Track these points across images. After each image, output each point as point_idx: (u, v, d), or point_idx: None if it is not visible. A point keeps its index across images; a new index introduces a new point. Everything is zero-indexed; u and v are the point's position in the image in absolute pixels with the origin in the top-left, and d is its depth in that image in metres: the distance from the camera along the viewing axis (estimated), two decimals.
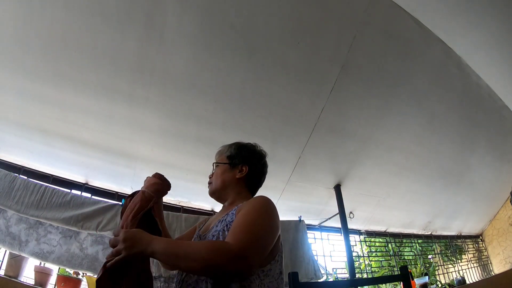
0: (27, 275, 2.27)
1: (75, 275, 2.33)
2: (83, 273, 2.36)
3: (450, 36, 2.34)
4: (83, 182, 2.72)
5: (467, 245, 4.64)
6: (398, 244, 4.38)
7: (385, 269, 4.18)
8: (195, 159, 2.66)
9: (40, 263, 2.27)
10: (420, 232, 4.38)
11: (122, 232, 0.82)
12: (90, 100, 2.19)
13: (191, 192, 2.95)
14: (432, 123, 2.96)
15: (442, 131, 3.07)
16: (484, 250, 4.67)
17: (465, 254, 4.54)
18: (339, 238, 3.58)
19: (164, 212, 1.36)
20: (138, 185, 1.04)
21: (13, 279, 2.08)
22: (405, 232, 4.31)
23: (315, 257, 3.16)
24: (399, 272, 1.19)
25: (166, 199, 1.00)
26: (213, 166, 1.13)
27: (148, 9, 1.87)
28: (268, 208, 0.88)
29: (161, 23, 1.93)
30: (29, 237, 2.22)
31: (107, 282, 0.81)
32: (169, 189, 1.05)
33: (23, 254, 2.17)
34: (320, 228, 3.64)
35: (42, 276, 2.19)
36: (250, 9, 1.99)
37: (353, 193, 3.33)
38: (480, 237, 4.77)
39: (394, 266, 4.10)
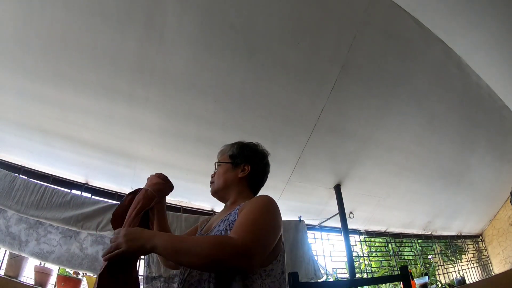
0: (27, 275, 2.27)
1: (75, 275, 2.33)
2: (83, 273, 2.36)
3: (450, 36, 2.34)
4: (83, 182, 2.72)
5: (467, 245, 4.64)
6: (398, 244, 4.38)
7: (385, 269, 4.18)
8: (195, 159, 2.66)
9: (40, 263, 2.27)
10: (420, 232, 4.38)
11: (123, 229, 0.82)
12: (90, 100, 2.19)
13: (191, 192, 2.95)
14: (432, 123, 2.96)
15: (442, 131, 3.07)
16: (484, 250, 4.67)
17: (465, 254, 4.54)
18: (339, 238, 3.58)
19: None
20: (138, 185, 1.04)
21: (13, 279, 2.08)
22: (405, 232, 4.31)
23: (315, 257, 3.16)
24: (399, 272, 1.19)
25: (166, 199, 1.00)
26: (215, 165, 1.13)
27: (148, 9, 1.87)
28: (270, 207, 0.88)
29: (161, 23, 1.93)
30: (29, 237, 2.22)
31: (108, 277, 0.79)
32: (171, 190, 1.05)
33: (23, 254, 2.17)
34: (320, 228, 3.64)
35: (42, 276, 2.19)
36: (250, 9, 1.99)
37: (353, 193, 3.33)
38: (480, 237, 4.77)
39: (394, 266, 4.10)
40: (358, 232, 3.98)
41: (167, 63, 2.11)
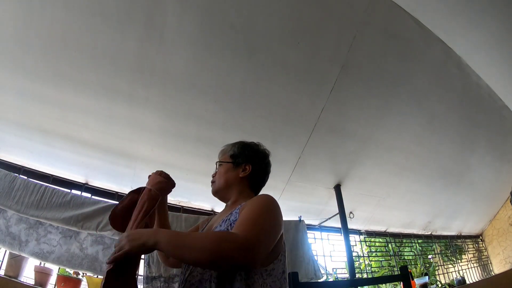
0: (27, 275, 2.27)
1: (75, 275, 2.33)
2: (83, 273, 2.36)
3: (450, 36, 2.34)
4: (83, 182, 2.72)
5: (467, 245, 4.64)
6: (398, 244, 4.38)
7: (385, 269, 4.18)
8: (195, 159, 2.66)
9: (40, 263, 2.27)
10: (420, 232, 4.38)
11: (126, 232, 0.82)
12: (90, 100, 2.19)
13: (191, 192, 2.95)
14: (432, 123, 2.96)
15: (442, 131, 3.07)
16: (484, 250, 4.67)
17: (465, 254, 4.54)
18: (339, 238, 3.58)
19: None
20: (138, 185, 1.04)
21: (13, 279, 2.08)
22: (405, 232, 4.31)
23: (315, 257, 3.16)
24: (399, 272, 1.19)
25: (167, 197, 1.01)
26: (216, 165, 1.13)
27: (148, 9, 1.87)
28: (271, 205, 0.88)
29: (161, 23, 1.93)
30: (29, 237, 2.22)
31: (113, 280, 0.79)
32: (173, 188, 1.06)
33: (23, 254, 2.17)
34: (320, 228, 3.64)
35: (42, 276, 2.19)
36: (250, 9, 1.99)
37: (353, 193, 3.33)
38: (480, 237, 4.77)
39: (394, 266, 4.10)
40: (358, 232, 3.98)
41: (167, 63, 2.11)
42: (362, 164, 3.11)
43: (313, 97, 2.49)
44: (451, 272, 4.36)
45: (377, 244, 4.56)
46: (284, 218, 0.94)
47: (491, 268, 4.50)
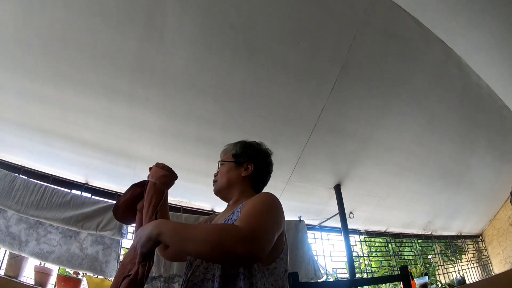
0: (27, 275, 2.27)
1: (75, 275, 2.33)
2: (83, 273, 2.36)
3: (450, 36, 2.34)
4: (83, 182, 2.72)
5: (467, 245, 4.64)
6: (398, 244, 4.39)
7: (385, 269, 4.18)
8: (195, 159, 2.66)
9: (40, 263, 2.27)
10: (420, 232, 4.38)
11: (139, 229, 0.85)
12: (90, 100, 2.19)
13: (191, 192, 2.95)
14: (432, 123, 2.96)
15: (442, 131, 3.07)
16: (484, 250, 4.67)
17: (465, 254, 4.54)
18: (339, 238, 3.58)
19: None
20: None
21: (13, 279, 2.08)
22: (405, 232, 4.31)
23: (315, 257, 3.16)
24: (399, 272, 1.19)
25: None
26: (218, 164, 1.13)
27: (148, 9, 1.87)
28: (272, 202, 0.88)
29: (161, 23, 1.93)
30: (29, 237, 2.22)
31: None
32: (176, 180, 1.06)
33: (23, 254, 2.17)
34: (320, 228, 3.64)
35: (42, 276, 2.19)
36: (250, 9, 1.98)
37: (353, 193, 3.33)
38: (480, 237, 4.77)
39: (394, 266, 4.10)
40: (358, 232, 3.98)
41: (167, 63, 2.11)
42: (362, 164, 3.11)
43: (313, 97, 2.49)
44: (451, 272, 4.36)
45: (377, 244, 4.56)
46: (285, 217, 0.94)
47: (491, 268, 4.50)
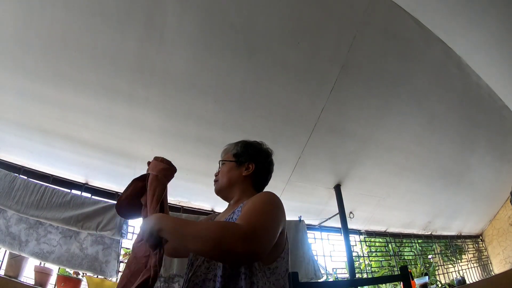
0: (27, 275, 2.27)
1: (75, 275, 2.33)
2: (83, 273, 2.36)
3: (450, 36, 2.34)
4: (83, 182, 2.72)
5: (467, 245, 4.64)
6: (398, 244, 4.38)
7: (385, 269, 4.18)
8: (195, 159, 2.66)
9: (40, 263, 2.27)
10: (420, 232, 4.38)
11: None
12: (90, 100, 2.19)
13: (191, 192, 2.95)
14: (432, 123, 2.96)
15: (442, 131, 3.07)
16: (484, 250, 4.67)
17: (465, 254, 4.54)
18: (339, 238, 3.58)
19: None
20: None
21: (13, 279, 2.08)
22: (405, 232, 4.31)
23: (315, 257, 3.16)
24: (399, 272, 1.19)
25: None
26: (219, 164, 1.14)
27: (148, 9, 1.87)
28: (273, 201, 0.88)
29: (161, 23, 1.93)
30: (29, 237, 2.22)
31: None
32: (175, 172, 1.06)
33: (23, 254, 2.17)
34: (320, 228, 3.64)
35: (42, 276, 2.19)
36: (250, 9, 1.98)
37: (353, 193, 3.33)
38: (480, 237, 4.76)
39: (394, 266, 4.10)
40: (358, 232, 3.98)
41: (167, 63, 2.11)
42: (362, 164, 3.11)
43: (313, 97, 2.49)
44: (451, 272, 4.36)
45: (377, 244, 4.56)
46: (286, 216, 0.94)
47: (491, 268, 4.50)
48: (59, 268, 2.29)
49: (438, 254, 4.45)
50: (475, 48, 2.37)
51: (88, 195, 2.65)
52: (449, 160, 3.41)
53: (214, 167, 1.19)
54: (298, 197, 3.25)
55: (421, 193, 3.71)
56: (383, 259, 4.35)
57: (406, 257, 4.50)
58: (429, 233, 4.44)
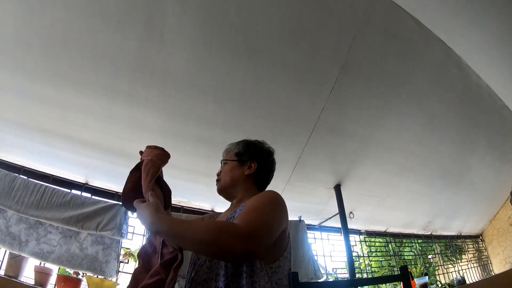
0: (27, 275, 2.27)
1: (75, 275, 2.33)
2: (83, 273, 2.36)
3: (450, 36, 2.34)
4: (83, 182, 2.72)
5: (467, 245, 4.64)
6: (398, 244, 4.38)
7: (385, 269, 4.18)
8: (195, 159, 2.66)
9: (40, 263, 2.27)
10: (420, 232, 4.38)
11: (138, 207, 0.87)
12: (90, 100, 2.19)
13: (191, 192, 2.95)
14: (432, 123, 2.96)
15: (442, 131, 3.07)
16: (484, 250, 4.67)
17: (465, 254, 4.54)
18: (339, 238, 3.58)
19: None
20: None
21: (13, 279, 2.08)
22: (405, 232, 4.31)
23: (315, 257, 3.16)
24: (399, 272, 1.19)
25: None
26: (221, 163, 1.14)
27: (148, 9, 1.87)
28: (274, 199, 0.88)
29: (161, 23, 1.93)
30: (29, 237, 2.22)
31: None
32: (169, 158, 1.07)
33: (23, 254, 2.17)
34: (320, 228, 3.64)
35: (42, 276, 2.19)
36: (250, 9, 1.98)
37: (353, 193, 3.33)
38: (480, 237, 4.76)
39: (394, 266, 4.10)
40: (358, 232, 3.98)
41: (167, 63, 2.11)
42: (362, 164, 3.11)
43: (313, 97, 2.49)
44: (451, 272, 4.36)
45: (377, 244, 4.56)
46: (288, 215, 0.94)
47: (491, 268, 4.50)
48: (59, 268, 2.30)
49: (438, 254, 4.45)
50: (475, 48, 2.37)
51: (88, 195, 2.65)
52: (449, 160, 3.41)
53: (214, 167, 1.19)
54: (298, 197, 3.25)
55: (421, 193, 3.71)
56: (383, 259, 4.35)
57: (406, 257, 4.50)
58: (429, 233, 4.44)
